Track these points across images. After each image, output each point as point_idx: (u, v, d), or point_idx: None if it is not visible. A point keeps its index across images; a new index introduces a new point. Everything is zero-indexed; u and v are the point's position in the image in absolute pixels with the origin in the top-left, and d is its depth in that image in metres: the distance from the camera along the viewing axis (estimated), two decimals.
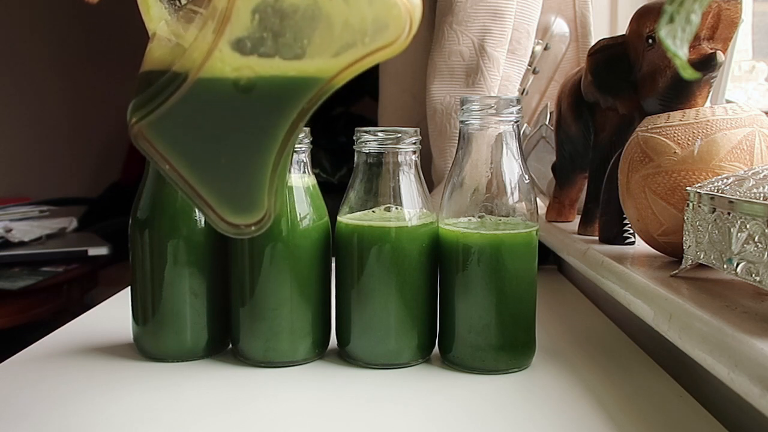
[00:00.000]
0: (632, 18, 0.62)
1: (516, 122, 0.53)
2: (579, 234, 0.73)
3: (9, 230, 1.75)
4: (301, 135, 0.55)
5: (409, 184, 0.54)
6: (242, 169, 0.29)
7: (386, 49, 0.27)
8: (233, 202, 0.29)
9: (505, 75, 0.97)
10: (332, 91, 0.27)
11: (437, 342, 0.56)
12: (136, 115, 0.28)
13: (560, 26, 1.03)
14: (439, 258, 0.55)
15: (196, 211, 0.56)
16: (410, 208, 0.54)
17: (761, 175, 0.44)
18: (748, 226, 0.42)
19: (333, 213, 0.56)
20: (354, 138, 0.55)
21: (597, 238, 0.69)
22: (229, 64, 0.27)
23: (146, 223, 0.56)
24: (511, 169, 0.53)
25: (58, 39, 2.51)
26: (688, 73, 0.27)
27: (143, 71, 0.31)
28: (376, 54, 0.27)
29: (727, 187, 0.45)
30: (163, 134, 0.28)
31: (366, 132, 0.54)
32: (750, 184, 0.43)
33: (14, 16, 2.39)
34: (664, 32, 0.27)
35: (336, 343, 0.57)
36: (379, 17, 0.26)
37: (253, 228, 0.29)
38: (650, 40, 0.60)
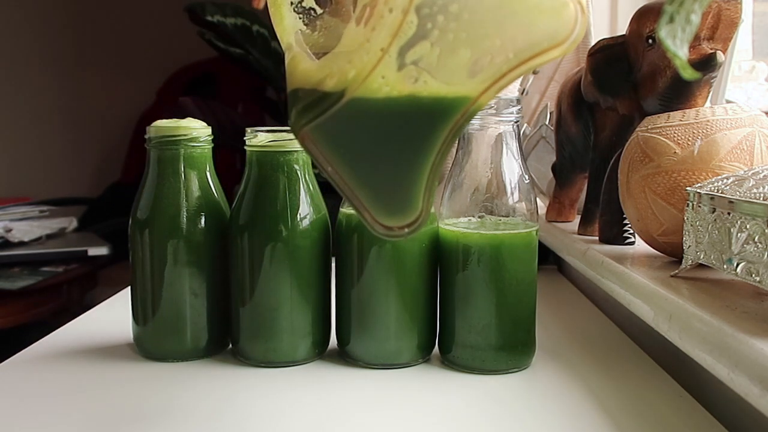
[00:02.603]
0: (632, 18, 0.62)
1: (516, 122, 0.53)
2: (579, 234, 0.73)
3: (9, 230, 1.75)
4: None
5: None
6: (398, 176, 0.30)
7: (553, 50, 0.27)
8: (389, 206, 0.30)
9: None
10: (484, 107, 0.28)
11: (437, 342, 0.56)
12: (301, 121, 0.29)
13: None
14: (439, 258, 0.55)
15: (196, 211, 0.56)
16: None
17: (761, 175, 0.44)
18: (748, 226, 0.42)
19: (333, 213, 0.56)
20: None
21: (597, 238, 0.69)
22: (386, 83, 0.27)
23: (146, 223, 0.56)
24: (511, 169, 0.53)
25: (59, 38, 2.51)
26: (688, 73, 0.27)
27: (291, 90, 0.31)
28: (541, 56, 0.27)
29: (727, 187, 0.45)
30: (327, 139, 0.29)
31: None
32: (750, 184, 0.43)
33: (14, 15, 2.39)
34: (664, 32, 0.27)
35: (336, 343, 0.57)
36: (550, 23, 0.26)
37: (406, 230, 0.31)
38: (650, 40, 0.60)
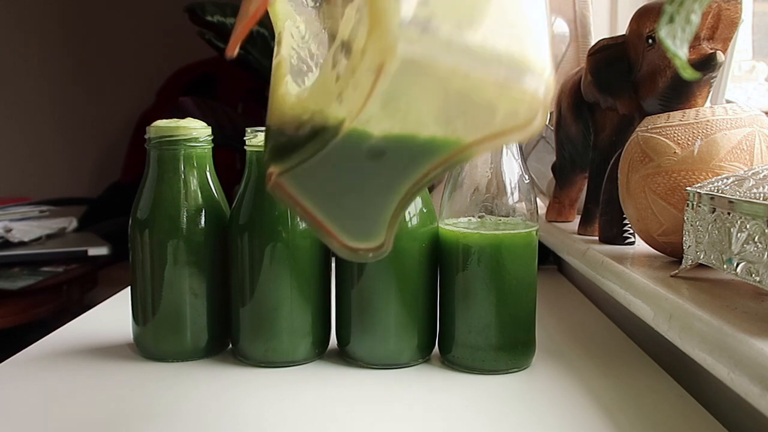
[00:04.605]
0: (632, 18, 0.62)
1: None
2: (579, 234, 0.73)
3: (9, 230, 1.75)
4: None
5: None
6: (366, 211, 0.30)
7: (516, 133, 0.27)
8: (355, 234, 0.31)
9: None
10: (462, 162, 0.28)
11: (437, 342, 0.56)
12: (277, 167, 0.29)
13: (560, 26, 1.03)
14: (439, 258, 0.55)
15: (196, 211, 0.56)
16: (410, 208, 0.54)
17: (761, 175, 0.44)
18: (748, 226, 0.42)
19: None
20: None
21: (597, 238, 0.69)
22: (371, 126, 0.27)
23: (146, 223, 0.56)
24: (511, 169, 0.53)
25: (59, 38, 2.51)
26: (688, 73, 0.27)
27: (270, 122, 0.31)
28: (506, 135, 0.27)
29: (727, 187, 0.45)
30: (300, 186, 0.29)
31: None
32: (750, 184, 0.43)
33: (15, 15, 2.39)
34: (664, 32, 0.27)
35: (336, 343, 0.57)
36: (510, 107, 0.26)
37: (371, 255, 0.31)
38: (650, 40, 0.60)
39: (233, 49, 0.34)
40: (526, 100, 0.26)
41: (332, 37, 0.32)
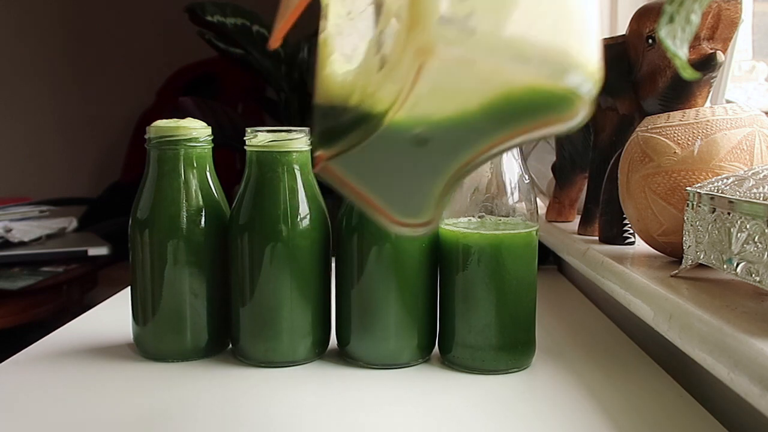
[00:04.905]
0: (632, 18, 0.62)
1: None
2: (579, 234, 0.73)
3: (9, 230, 1.75)
4: (302, 135, 0.55)
5: None
6: (414, 191, 0.31)
7: (558, 125, 0.27)
8: (404, 211, 0.31)
9: None
10: (502, 152, 0.28)
11: (437, 342, 0.56)
12: (325, 152, 0.30)
13: None
14: (439, 258, 0.55)
15: (196, 211, 0.56)
16: None
17: (761, 175, 0.44)
18: (748, 226, 0.42)
19: (333, 213, 0.56)
20: None
21: (597, 238, 0.69)
22: (413, 117, 0.27)
23: (146, 223, 0.56)
24: (511, 169, 0.53)
25: (59, 38, 2.51)
26: (688, 73, 0.27)
27: (318, 103, 0.31)
28: (547, 128, 0.27)
29: (727, 187, 0.45)
30: (348, 169, 0.30)
31: None
32: (750, 184, 0.43)
33: (14, 15, 2.39)
34: (664, 32, 0.27)
35: (336, 343, 0.57)
36: (552, 103, 0.26)
37: (420, 229, 0.31)
38: (650, 40, 0.60)
39: (277, 42, 0.34)
40: (568, 96, 0.25)
41: (378, 9, 0.31)
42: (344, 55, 0.32)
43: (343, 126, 0.29)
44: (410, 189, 0.31)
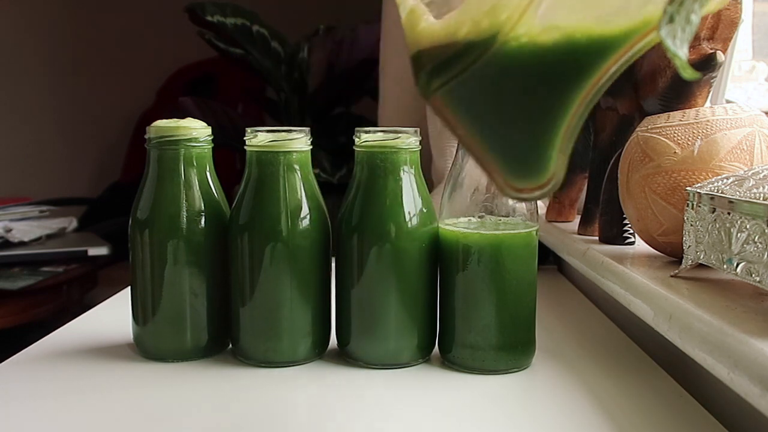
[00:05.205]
0: None
1: None
2: (579, 234, 0.73)
3: (9, 230, 1.75)
4: (302, 135, 0.55)
5: (409, 184, 0.54)
6: (533, 131, 0.28)
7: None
8: (520, 169, 0.28)
9: None
10: (639, 53, 0.25)
11: (437, 342, 0.56)
12: (432, 84, 0.28)
13: None
14: (439, 258, 0.55)
15: (196, 211, 0.56)
16: (410, 208, 0.54)
17: (761, 175, 0.44)
18: (748, 226, 0.42)
19: (333, 213, 0.56)
20: (354, 138, 0.55)
21: (597, 238, 0.69)
22: (536, 26, 0.25)
23: (146, 223, 0.56)
24: None
25: (59, 38, 2.51)
26: (688, 73, 0.27)
27: (414, 53, 0.29)
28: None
29: (727, 187, 0.45)
30: (460, 102, 0.28)
31: (366, 132, 0.54)
32: (750, 184, 0.43)
33: (14, 15, 2.39)
34: (664, 32, 0.27)
35: (336, 343, 0.57)
36: None
37: (536, 192, 0.28)
38: None
39: None
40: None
41: None
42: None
43: (450, 55, 0.27)
44: (525, 129, 0.27)
